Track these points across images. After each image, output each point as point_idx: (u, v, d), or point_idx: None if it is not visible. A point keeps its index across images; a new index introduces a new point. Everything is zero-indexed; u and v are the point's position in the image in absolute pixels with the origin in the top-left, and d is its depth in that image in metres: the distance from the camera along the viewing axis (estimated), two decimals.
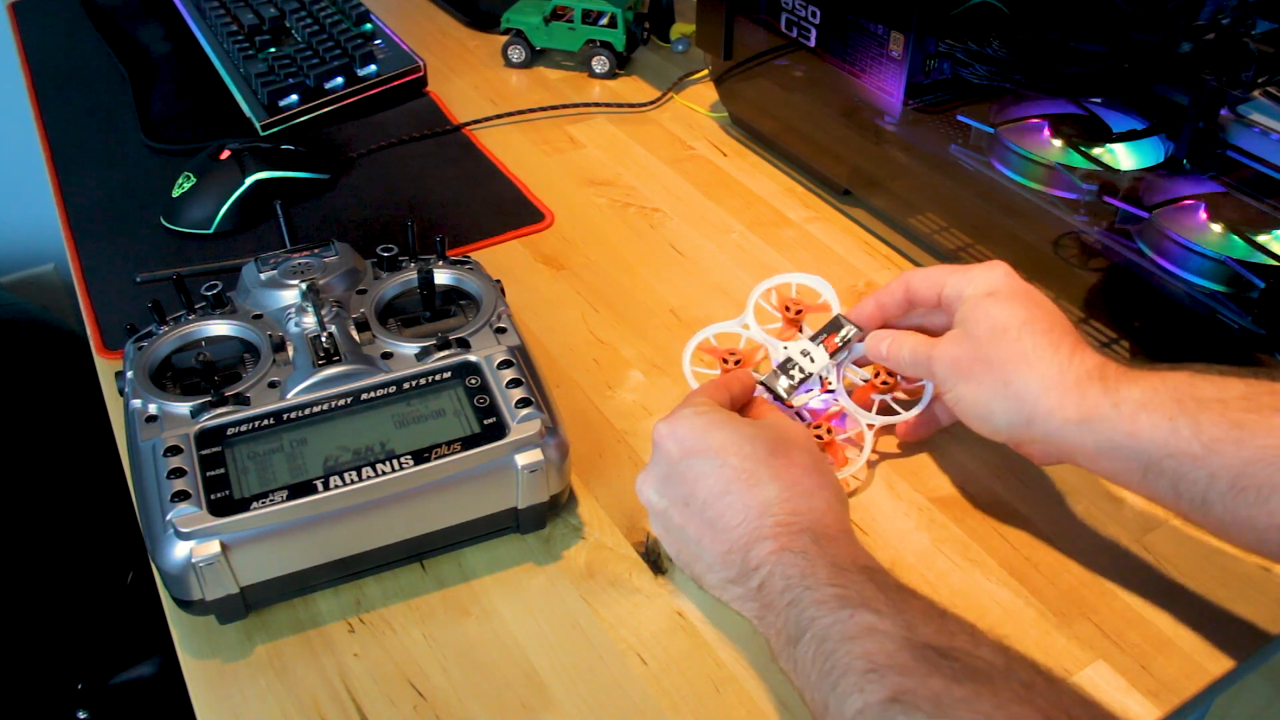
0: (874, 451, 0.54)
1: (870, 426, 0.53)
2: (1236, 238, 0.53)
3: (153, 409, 0.47)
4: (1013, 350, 0.45)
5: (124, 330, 0.53)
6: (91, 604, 1.04)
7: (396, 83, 0.86)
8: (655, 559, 0.49)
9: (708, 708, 0.43)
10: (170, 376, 0.51)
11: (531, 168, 0.79)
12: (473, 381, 0.49)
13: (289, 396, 0.48)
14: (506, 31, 0.93)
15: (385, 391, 0.48)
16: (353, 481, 0.44)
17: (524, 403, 0.48)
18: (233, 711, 0.43)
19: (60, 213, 0.74)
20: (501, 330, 0.52)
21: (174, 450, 0.45)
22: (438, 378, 0.49)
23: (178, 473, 0.44)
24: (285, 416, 0.47)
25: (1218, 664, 0.44)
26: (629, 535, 0.51)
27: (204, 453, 0.45)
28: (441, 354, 0.50)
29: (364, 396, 0.48)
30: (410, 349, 0.51)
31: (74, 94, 0.89)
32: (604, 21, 0.90)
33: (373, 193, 0.76)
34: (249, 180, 0.71)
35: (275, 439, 0.46)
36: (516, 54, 0.93)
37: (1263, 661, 0.46)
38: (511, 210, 0.74)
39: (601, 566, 0.49)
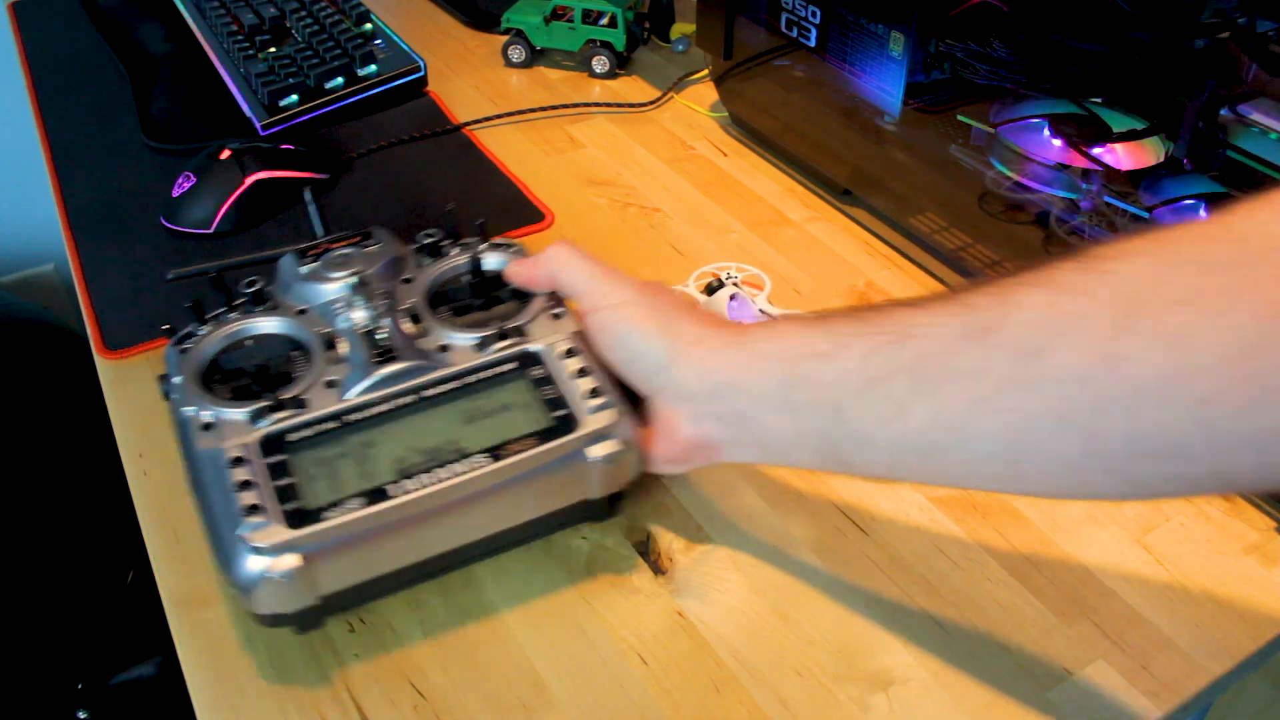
0: None
1: None
2: None
3: (207, 416, 0.45)
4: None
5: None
6: (91, 604, 1.04)
7: (396, 83, 0.86)
8: (655, 559, 0.49)
9: (708, 708, 0.43)
10: (219, 379, 0.48)
11: (531, 168, 0.79)
12: (537, 372, 0.47)
13: (348, 396, 0.46)
14: (506, 31, 0.93)
15: (448, 387, 0.46)
16: (429, 484, 0.42)
17: (595, 392, 0.46)
18: (233, 711, 0.43)
19: (60, 213, 0.74)
20: (558, 316, 0.50)
21: (239, 461, 0.43)
22: (501, 370, 0.47)
23: (246, 485, 0.42)
24: (348, 418, 0.45)
25: (1218, 664, 0.44)
26: (629, 535, 0.51)
27: (270, 461, 0.43)
28: (501, 344, 0.48)
29: (426, 393, 0.46)
30: (468, 340, 0.48)
31: (74, 94, 0.89)
32: (604, 21, 0.90)
33: (373, 193, 0.76)
34: (249, 180, 0.71)
35: (340, 443, 0.44)
36: (516, 54, 0.93)
37: (1263, 661, 0.46)
38: (511, 210, 0.74)
39: (602, 566, 0.49)
